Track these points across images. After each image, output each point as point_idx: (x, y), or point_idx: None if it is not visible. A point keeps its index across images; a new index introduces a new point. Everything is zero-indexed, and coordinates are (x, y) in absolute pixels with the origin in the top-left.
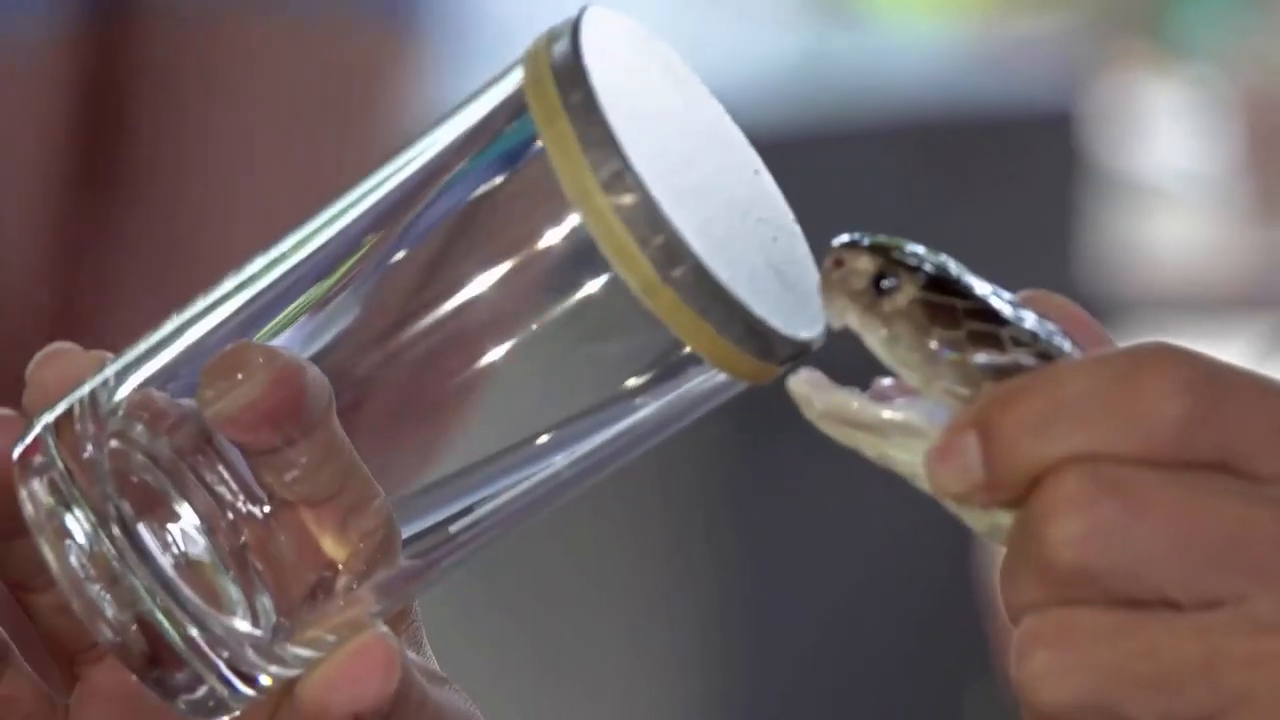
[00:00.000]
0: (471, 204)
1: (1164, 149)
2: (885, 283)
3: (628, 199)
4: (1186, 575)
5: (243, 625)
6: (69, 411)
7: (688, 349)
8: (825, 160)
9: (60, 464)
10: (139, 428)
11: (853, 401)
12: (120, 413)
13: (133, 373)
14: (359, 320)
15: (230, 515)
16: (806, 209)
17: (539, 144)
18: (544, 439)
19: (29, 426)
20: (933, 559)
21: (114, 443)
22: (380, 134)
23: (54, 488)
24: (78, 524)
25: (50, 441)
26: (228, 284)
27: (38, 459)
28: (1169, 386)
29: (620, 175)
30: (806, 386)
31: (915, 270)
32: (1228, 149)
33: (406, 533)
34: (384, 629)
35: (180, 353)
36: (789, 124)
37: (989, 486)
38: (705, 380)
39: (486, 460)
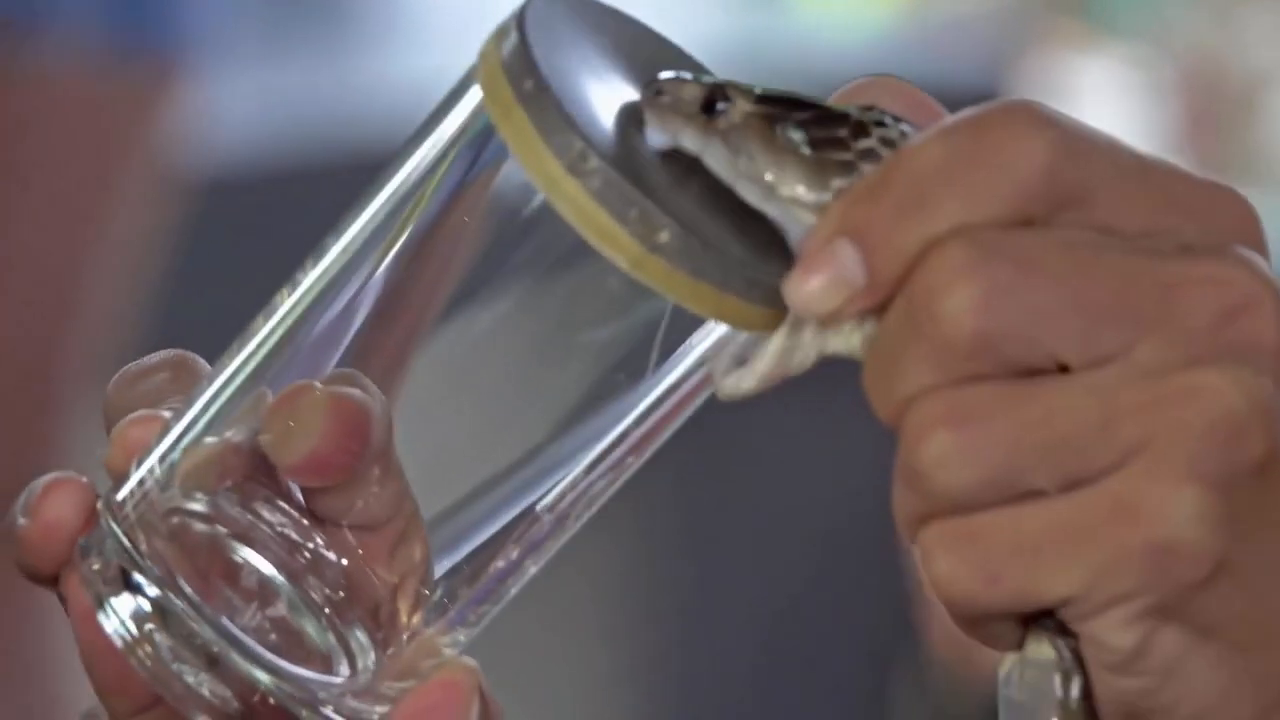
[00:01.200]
0: (457, 216)
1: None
2: (719, 105)
3: (596, 179)
4: (1079, 332)
5: (342, 673)
6: (125, 498)
7: (693, 314)
8: None
9: (121, 558)
10: (195, 494)
11: (766, 353)
12: (174, 487)
13: (179, 443)
14: (373, 347)
15: (306, 556)
16: None
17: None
18: (575, 432)
19: (98, 513)
20: (859, 542)
21: (174, 519)
22: (150, 162)
23: (120, 582)
24: (160, 630)
25: (114, 532)
26: (248, 345)
27: (95, 555)
28: (1026, 136)
29: (584, 155)
30: (735, 383)
31: (746, 90)
32: (1161, 129)
33: (457, 556)
34: (469, 660)
35: (215, 414)
36: None
37: (872, 288)
38: (709, 339)
39: (537, 454)
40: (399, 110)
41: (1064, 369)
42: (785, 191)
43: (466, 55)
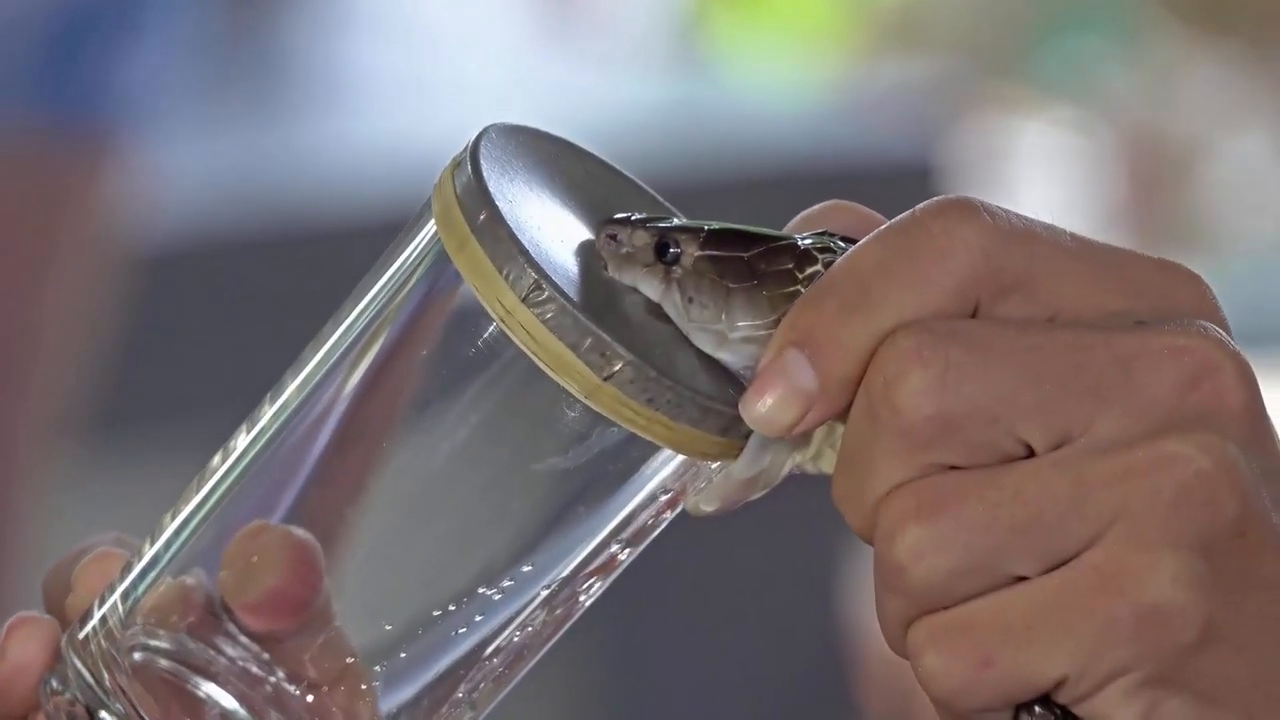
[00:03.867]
0: (414, 347)
1: (1036, 194)
2: (670, 250)
3: (550, 309)
4: (1038, 407)
5: None
6: (88, 635)
7: (648, 441)
8: (683, 210)
9: (86, 695)
10: (157, 631)
11: (728, 476)
12: (137, 624)
13: (141, 581)
14: (332, 480)
15: (268, 690)
16: None
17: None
18: (529, 563)
19: (61, 654)
20: (799, 605)
21: (136, 655)
22: (90, 234)
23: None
24: None
25: (77, 669)
26: (207, 483)
27: (66, 692)
28: (960, 225)
29: (538, 286)
30: (697, 504)
31: (694, 232)
32: (1104, 192)
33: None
34: None
35: (177, 552)
36: (648, 173)
37: (826, 392)
38: (669, 466)
39: (480, 593)
40: (341, 175)
41: (1031, 455)
42: (736, 335)
43: (406, 119)
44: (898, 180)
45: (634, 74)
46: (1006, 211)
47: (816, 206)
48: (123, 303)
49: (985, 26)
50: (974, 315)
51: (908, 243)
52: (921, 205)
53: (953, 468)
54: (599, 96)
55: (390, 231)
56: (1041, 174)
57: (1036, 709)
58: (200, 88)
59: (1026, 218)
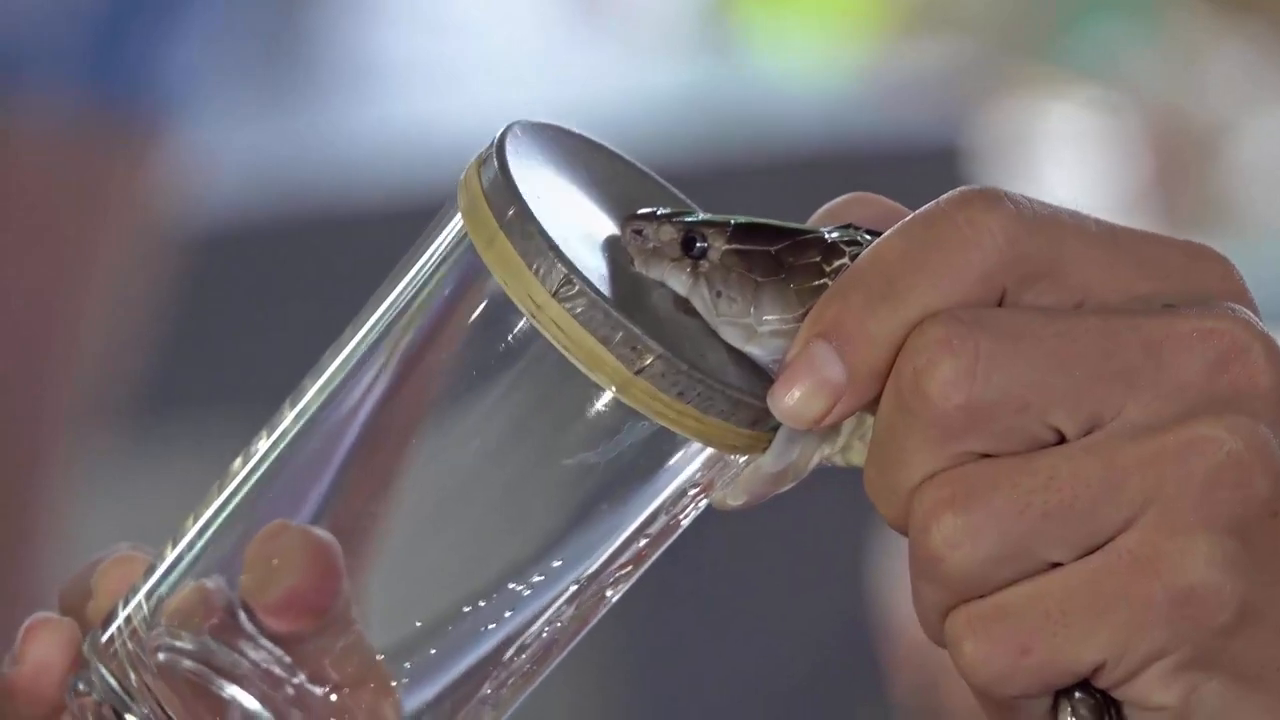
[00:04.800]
0: (439, 346)
1: (1062, 175)
2: (697, 244)
3: (580, 303)
4: (1069, 393)
5: None
6: (112, 636)
7: (678, 435)
8: (709, 195)
9: (111, 696)
10: (181, 633)
11: (755, 469)
12: (161, 625)
13: (163, 583)
14: (358, 480)
15: (291, 691)
16: None
17: (485, 267)
18: (558, 558)
19: (85, 653)
20: (827, 583)
21: (161, 656)
22: (133, 218)
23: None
24: None
25: (101, 671)
26: (229, 485)
27: (91, 694)
28: (984, 214)
29: (569, 280)
30: (723, 499)
31: (721, 226)
32: (1130, 173)
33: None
34: None
35: (199, 554)
36: (674, 158)
37: (854, 383)
38: (697, 460)
39: (508, 589)
40: (378, 159)
41: (1063, 441)
42: (764, 329)
43: (440, 104)
44: (925, 163)
45: (661, 58)
46: (1030, 199)
47: (839, 199)
48: (164, 287)
49: (1011, 9)
50: (1001, 304)
51: (932, 233)
52: (945, 195)
53: (984, 456)
54: (626, 81)
55: (429, 214)
56: (1068, 155)
57: (1076, 694)
58: (239, 74)
59: (1051, 205)
